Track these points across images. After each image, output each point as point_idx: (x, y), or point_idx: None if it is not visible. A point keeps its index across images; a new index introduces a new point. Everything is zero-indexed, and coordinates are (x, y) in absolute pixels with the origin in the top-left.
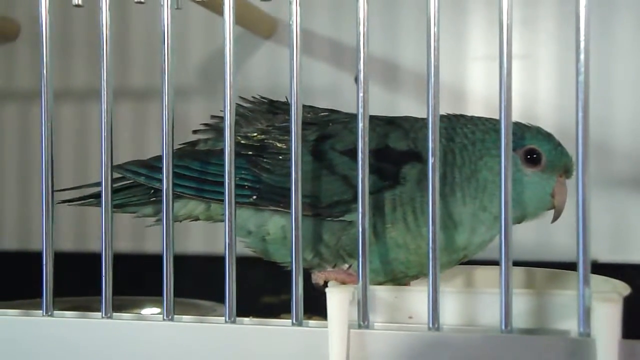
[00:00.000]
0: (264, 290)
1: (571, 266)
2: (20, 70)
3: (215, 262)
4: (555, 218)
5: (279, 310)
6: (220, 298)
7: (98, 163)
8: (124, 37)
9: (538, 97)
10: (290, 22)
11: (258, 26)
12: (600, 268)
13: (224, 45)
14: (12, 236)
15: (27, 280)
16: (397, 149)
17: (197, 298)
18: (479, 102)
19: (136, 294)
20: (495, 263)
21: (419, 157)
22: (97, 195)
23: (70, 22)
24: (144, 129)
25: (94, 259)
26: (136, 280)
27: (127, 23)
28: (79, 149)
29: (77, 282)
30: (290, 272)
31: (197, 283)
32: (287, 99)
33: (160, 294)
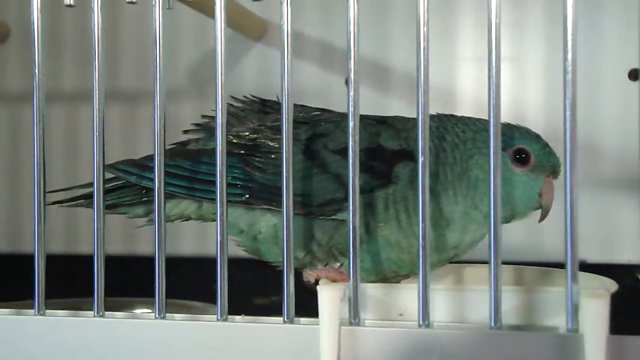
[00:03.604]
0: (254, 291)
1: (559, 267)
2: (10, 72)
3: (206, 264)
4: (542, 217)
5: (270, 311)
6: (211, 300)
7: (88, 164)
8: (114, 38)
9: (527, 98)
10: (281, 22)
11: (248, 28)
12: (589, 268)
13: (215, 43)
14: (1, 238)
15: (17, 282)
16: (389, 148)
17: (189, 300)
18: (469, 103)
19: (127, 296)
20: (484, 263)
21: (411, 156)
22: (88, 196)
23: (60, 24)
24: (134, 130)
25: (84, 261)
26: (127, 283)
27: (117, 24)
28: (68, 150)
29: (67, 284)
30: (280, 272)
31: (188, 285)
32: (278, 98)
33: (152, 295)
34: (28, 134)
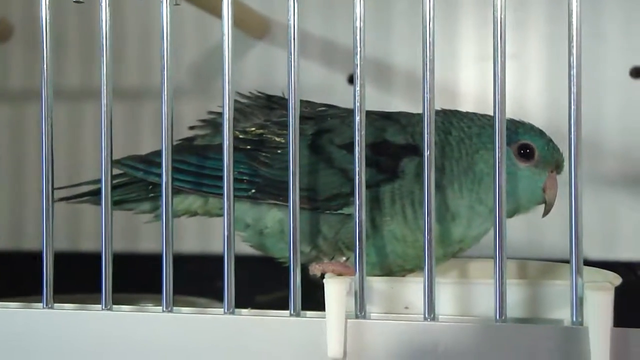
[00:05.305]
0: (256, 289)
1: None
2: (13, 70)
3: (208, 261)
4: (546, 212)
5: (272, 308)
6: (213, 297)
7: (90, 161)
8: (116, 35)
9: (527, 95)
10: (288, 18)
11: (251, 27)
12: (590, 265)
13: (223, 39)
14: (3, 235)
15: (19, 279)
16: (395, 143)
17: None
18: (470, 102)
19: (129, 293)
20: (488, 258)
21: (417, 151)
22: (94, 193)
23: (62, 21)
24: (136, 127)
25: (86, 258)
26: (128, 280)
27: (119, 21)
28: (70, 147)
29: (69, 280)
30: (285, 268)
31: (190, 282)
32: (283, 94)
33: (152, 292)
34: (30, 132)
